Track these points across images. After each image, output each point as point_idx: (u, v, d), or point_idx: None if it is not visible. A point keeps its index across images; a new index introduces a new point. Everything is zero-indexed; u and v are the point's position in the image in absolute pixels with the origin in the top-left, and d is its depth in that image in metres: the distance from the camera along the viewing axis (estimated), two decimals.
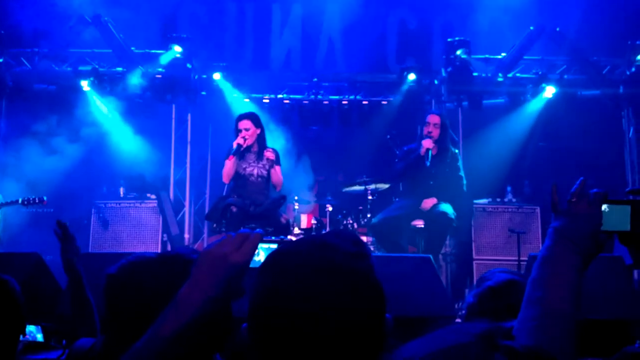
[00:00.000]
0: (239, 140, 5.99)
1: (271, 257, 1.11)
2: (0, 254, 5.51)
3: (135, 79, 7.88)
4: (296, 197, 7.35)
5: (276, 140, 7.39)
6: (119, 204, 7.65)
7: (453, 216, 6.11)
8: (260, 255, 1.23)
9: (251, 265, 1.15)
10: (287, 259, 1.08)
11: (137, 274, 1.55)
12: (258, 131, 6.15)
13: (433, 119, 6.39)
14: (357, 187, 7.39)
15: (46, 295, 4.01)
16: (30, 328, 2.38)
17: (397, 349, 0.72)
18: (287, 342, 1.01)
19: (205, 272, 1.12)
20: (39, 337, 2.42)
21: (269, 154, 6.14)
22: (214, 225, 6.03)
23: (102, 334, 1.79)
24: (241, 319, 1.17)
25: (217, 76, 8.26)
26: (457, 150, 6.82)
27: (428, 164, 6.13)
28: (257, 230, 1.18)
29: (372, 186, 7.18)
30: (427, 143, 6.18)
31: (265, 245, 1.32)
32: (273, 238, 5.18)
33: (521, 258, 6.81)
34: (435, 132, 6.31)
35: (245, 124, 6.10)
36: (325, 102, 8.79)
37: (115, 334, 1.61)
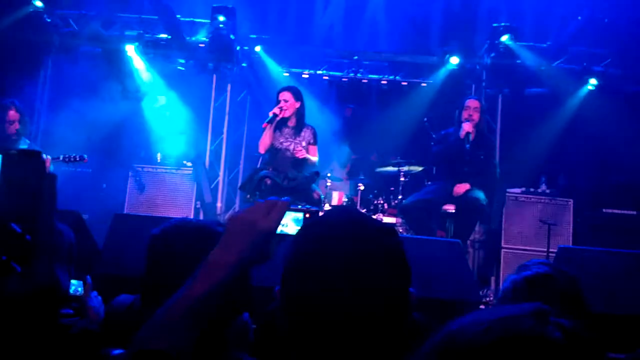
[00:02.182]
0: (276, 109, 6.03)
1: (305, 226, 1.17)
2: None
3: (179, 46, 7.98)
4: (329, 174, 7.39)
5: (312, 115, 7.42)
6: (156, 169, 7.80)
7: (485, 202, 6.09)
8: (288, 223, 1.29)
9: (278, 232, 1.20)
10: (321, 229, 1.14)
11: (179, 236, 1.63)
12: (297, 105, 6.16)
13: (473, 103, 6.36)
14: (390, 168, 7.40)
15: (84, 254, 4.14)
16: (75, 282, 2.49)
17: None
18: (317, 307, 1.07)
19: (234, 236, 1.18)
20: (80, 290, 2.53)
21: (307, 133, 6.18)
22: (247, 196, 6.12)
23: (141, 292, 1.87)
24: (264, 288, 1.23)
25: (258, 48, 8.31)
26: (493, 138, 6.78)
27: (468, 147, 6.11)
28: (285, 198, 1.24)
29: (406, 168, 7.19)
30: (467, 126, 6.15)
31: (292, 214, 1.37)
32: (299, 207, 5.24)
33: (550, 249, 6.77)
34: (475, 116, 6.29)
35: (285, 95, 6.13)
36: (364, 81, 8.77)
37: (154, 292, 1.69)
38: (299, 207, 1.38)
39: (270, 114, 6.02)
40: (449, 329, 0.75)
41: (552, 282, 1.67)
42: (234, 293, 1.31)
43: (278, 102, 6.11)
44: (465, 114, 6.30)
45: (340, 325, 1.06)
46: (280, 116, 6.04)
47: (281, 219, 1.21)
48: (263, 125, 6.02)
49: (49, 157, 5.98)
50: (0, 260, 1.30)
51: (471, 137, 6.17)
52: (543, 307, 0.74)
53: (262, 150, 6.17)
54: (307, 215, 1.37)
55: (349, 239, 1.10)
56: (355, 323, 1.06)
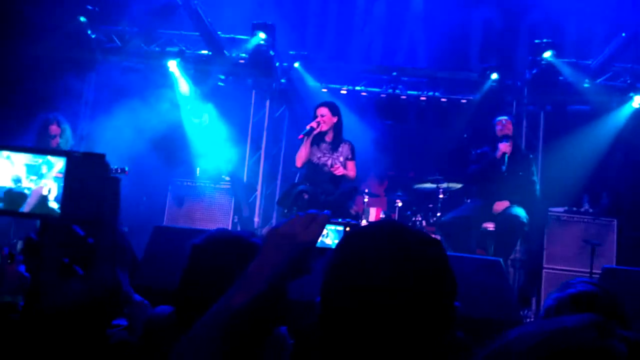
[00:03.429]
0: (313, 123, 6.05)
1: (347, 237, 1.14)
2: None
3: (219, 62, 8.08)
4: (366, 190, 7.36)
5: (350, 131, 7.42)
6: (195, 183, 7.88)
7: (525, 220, 5.99)
8: (328, 237, 1.26)
9: (318, 245, 1.18)
10: (362, 240, 1.12)
11: (220, 246, 1.63)
12: (334, 120, 6.17)
13: (503, 118, 6.43)
14: (428, 185, 7.34)
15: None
16: None
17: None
18: (356, 320, 1.04)
19: (273, 249, 1.17)
20: None
21: (344, 148, 6.17)
22: (285, 210, 6.12)
23: (176, 304, 1.87)
24: (303, 302, 1.21)
25: (297, 64, 8.36)
26: (531, 155, 6.71)
27: (504, 168, 6.05)
28: (325, 211, 1.21)
29: (445, 185, 7.12)
30: (504, 147, 6.11)
31: (332, 227, 1.35)
32: (340, 220, 5.22)
33: (593, 271, 6.59)
34: (507, 129, 6.31)
35: (322, 110, 6.15)
36: (403, 97, 8.73)
37: (192, 303, 1.68)
38: (340, 220, 1.36)
39: (308, 127, 6.04)
40: (506, 338, 0.72)
41: (597, 300, 1.63)
42: (271, 306, 1.29)
43: (315, 117, 6.13)
44: (498, 129, 6.28)
45: (379, 338, 1.03)
46: (317, 130, 6.05)
47: (321, 233, 1.19)
48: (299, 137, 6.05)
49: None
50: (62, 263, 1.31)
51: (507, 156, 6.14)
52: (605, 320, 0.70)
53: (298, 164, 6.18)
54: (348, 229, 1.35)
55: (389, 250, 1.08)
56: (394, 337, 1.03)
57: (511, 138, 6.33)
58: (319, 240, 1.20)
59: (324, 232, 1.22)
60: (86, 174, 1.34)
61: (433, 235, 5.22)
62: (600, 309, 1.59)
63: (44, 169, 1.34)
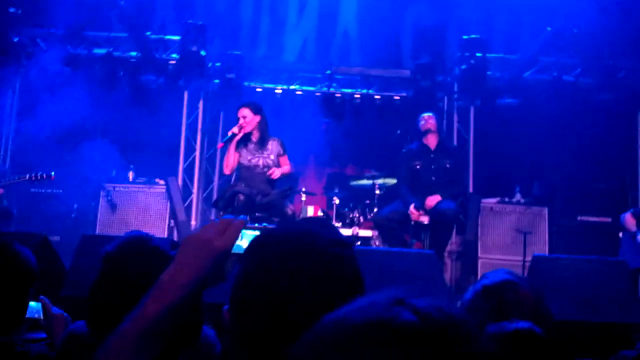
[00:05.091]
0: (234, 129, 5.99)
1: (254, 242, 1.13)
2: (7, 233, 5.57)
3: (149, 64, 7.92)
4: (303, 189, 7.36)
5: (286, 131, 7.39)
6: (128, 188, 7.70)
7: (456, 212, 6.16)
8: (243, 241, 1.24)
9: (233, 251, 1.16)
10: (270, 245, 1.10)
11: (130, 255, 1.57)
12: (257, 118, 6.11)
13: (425, 114, 6.66)
14: (365, 182, 7.39)
15: (51, 277, 4.05)
16: (33, 305, 2.39)
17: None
18: (266, 326, 1.02)
19: (188, 255, 1.14)
20: (40, 314, 2.44)
21: (273, 145, 6.14)
22: (220, 213, 6.05)
23: (88, 315, 1.78)
24: (218, 305, 1.19)
25: (230, 65, 8.26)
26: (464, 148, 6.90)
27: (432, 156, 6.26)
28: (242, 216, 1.20)
29: (380, 181, 7.19)
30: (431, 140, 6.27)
31: (249, 232, 1.33)
32: (256, 225, 5.22)
33: (526, 258, 6.79)
34: (430, 123, 6.50)
35: (243, 111, 6.10)
36: (338, 95, 8.77)
37: (104, 315, 1.61)
38: (256, 225, 1.34)
39: (229, 133, 5.99)
40: (320, 322, 0.73)
41: (511, 290, 1.66)
42: (187, 314, 1.26)
43: (237, 119, 6.08)
44: (421, 125, 6.54)
45: (286, 340, 1.01)
46: (240, 134, 5.99)
47: (237, 238, 1.17)
48: (219, 146, 6.00)
49: None
50: None
51: (431, 147, 6.38)
52: (402, 293, 0.71)
53: (227, 171, 6.12)
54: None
55: (296, 254, 1.06)
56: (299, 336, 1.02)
57: (435, 132, 6.46)
58: (234, 246, 1.18)
59: (240, 236, 1.19)
60: None
61: (371, 231, 5.27)
62: (514, 298, 1.62)
63: None
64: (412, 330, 0.66)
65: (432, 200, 6.18)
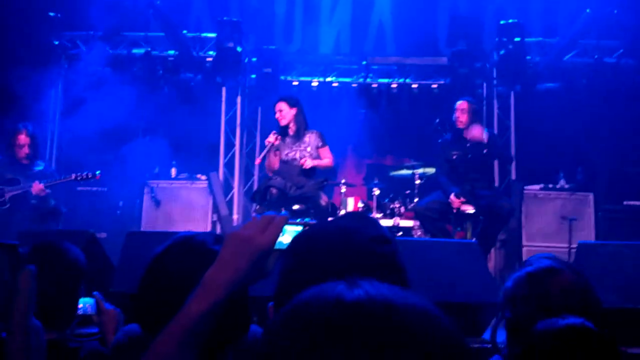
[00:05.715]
0: (270, 137, 5.95)
1: (296, 240, 1.14)
2: (55, 231, 5.73)
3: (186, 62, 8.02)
4: (343, 181, 7.35)
5: (324, 123, 7.40)
6: (171, 184, 7.83)
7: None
8: (285, 237, 1.25)
9: (276, 247, 1.18)
10: (311, 242, 1.11)
11: (180, 254, 1.59)
12: (293, 111, 6.11)
13: (460, 105, 6.38)
14: (404, 171, 7.35)
15: (100, 273, 4.15)
16: (86, 300, 2.46)
17: None
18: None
19: (231, 253, 1.16)
20: (91, 309, 2.50)
21: (311, 138, 6.15)
22: (257, 206, 6.11)
23: (137, 317, 1.81)
24: (266, 298, 1.20)
25: (266, 59, 8.31)
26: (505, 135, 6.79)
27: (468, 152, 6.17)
28: (283, 212, 1.21)
29: (420, 170, 7.15)
30: (472, 135, 6.16)
31: (291, 228, 1.34)
32: (298, 220, 5.24)
33: (572, 246, 6.66)
34: (463, 118, 6.27)
35: (280, 105, 6.11)
36: (374, 85, 8.74)
37: (153, 312, 1.64)
38: (298, 220, 1.35)
39: (267, 143, 5.98)
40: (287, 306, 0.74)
41: (555, 275, 1.61)
42: (232, 312, 1.28)
43: (274, 113, 6.13)
44: (455, 120, 6.35)
45: None
46: (277, 141, 5.97)
47: (279, 234, 1.19)
48: (256, 162, 6.00)
49: (41, 183, 6.01)
50: None
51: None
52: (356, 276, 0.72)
53: (269, 173, 6.13)
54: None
55: (338, 252, 1.07)
56: None
57: (467, 125, 6.30)
58: (276, 242, 1.19)
59: (282, 233, 1.21)
60: None
61: (412, 221, 5.23)
62: (558, 284, 1.58)
63: None
64: (356, 306, 0.67)
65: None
